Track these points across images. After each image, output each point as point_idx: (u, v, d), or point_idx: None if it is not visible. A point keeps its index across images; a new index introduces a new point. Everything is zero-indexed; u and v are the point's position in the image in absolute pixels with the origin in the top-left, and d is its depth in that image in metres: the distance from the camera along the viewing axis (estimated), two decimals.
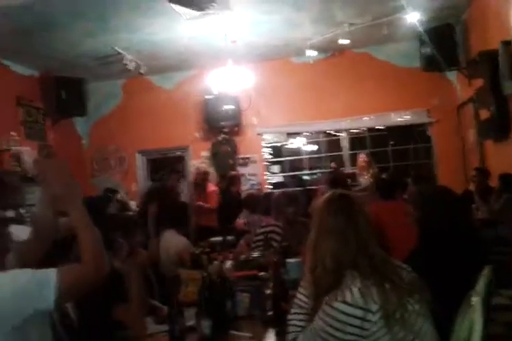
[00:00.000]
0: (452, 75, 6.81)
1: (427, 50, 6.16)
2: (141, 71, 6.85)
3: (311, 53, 6.53)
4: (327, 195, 1.74)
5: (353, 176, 6.59)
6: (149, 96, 7.52)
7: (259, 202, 4.64)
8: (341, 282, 1.57)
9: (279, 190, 6.34)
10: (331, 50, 7.05)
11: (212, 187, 6.79)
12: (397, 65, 6.98)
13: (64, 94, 6.92)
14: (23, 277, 1.53)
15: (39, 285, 1.50)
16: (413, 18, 5.57)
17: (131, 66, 6.62)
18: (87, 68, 6.90)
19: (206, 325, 1.92)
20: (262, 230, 3.81)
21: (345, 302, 1.50)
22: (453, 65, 6.15)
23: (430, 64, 6.23)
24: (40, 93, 7.02)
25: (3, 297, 1.48)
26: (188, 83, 7.52)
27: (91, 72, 7.07)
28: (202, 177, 6.76)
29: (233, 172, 7.02)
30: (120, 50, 6.31)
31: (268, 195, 4.90)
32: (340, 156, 7.37)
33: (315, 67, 6.89)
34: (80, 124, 7.71)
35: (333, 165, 6.90)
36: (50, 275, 1.51)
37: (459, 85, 6.77)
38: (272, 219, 3.92)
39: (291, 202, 3.33)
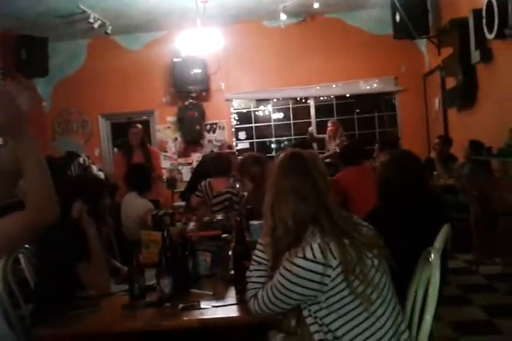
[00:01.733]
0: (422, 43, 6.84)
1: (399, 17, 6.12)
2: (107, 31, 6.60)
3: (284, 17, 6.41)
4: (280, 155, 1.72)
5: (322, 142, 6.63)
6: (115, 57, 7.28)
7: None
8: (301, 239, 1.58)
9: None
10: (303, 15, 6.94)
11: None
12: (369, 32, 6.96)
13: (25, 53, 6.62)
14: None
15: None
16: None
17: (97, 25, 6.37)
18: (50, 27, 6.61)
19: (166, 284, 1.91)
20: (219, 199, 3.81)
21: (305, 258, 1.51)
22: (423, 33, 6.14)
23: (401, 31, 6.20)
24: None
25: None
26: (156, 45, 7.31)
27: (54, 31, 6.77)
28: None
29: None
30: (85, 8, 6.05)
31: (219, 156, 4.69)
32: (308, 123, 7.36)
33: (286, 31, 6.79)
34: (40, 85, 7.42)
35: (310, 130, 6.85)
36: None
37: (428, 54, 6.80)
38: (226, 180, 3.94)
39: (257, 162, 3.32)
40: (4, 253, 1.57)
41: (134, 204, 3.45)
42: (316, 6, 6.18)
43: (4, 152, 1.51)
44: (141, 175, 3.68)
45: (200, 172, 5.43)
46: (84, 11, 6.11)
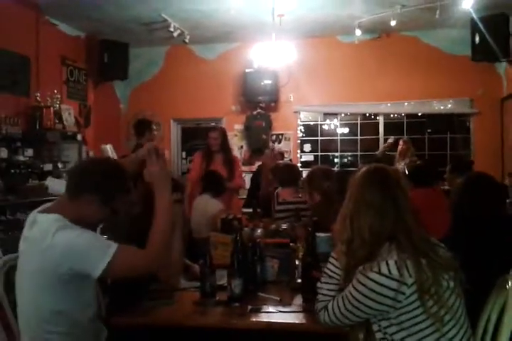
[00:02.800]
0: (501, 67, 6.64)
1: (478, 38, 5.99)
2: (185, 40, 6.85)
3: (359, 33, 6.42)
4: (364, 168, 1.74)
5: (391, 160, 6.50)
6: (190, 65, 7.54)
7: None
8: (377, 254, 1.60)
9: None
10: (378, 31, 6.91)
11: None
12: (445, 52, 6.82)
13: (107, 57, 6.97)
14: (86, 236, 1.70)
15: (94, 253, 1.66)
16: (467, 4, 5.40)
17: (176, 34, 6.63)
18: (133, 33, 6.93)
19: (237, 285, 1.97)
20: (284, 207, 3.84)
21: (380, 273, 1.53)
22: (503, 57, 5.96)
23: (480, 53, 6.06)
24: (84, 54, 7.11)
25: (59, 248, 1.64)
26: (230, 55, 7.51)
27: (136, 37, 7.10)
28: None
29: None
30: (167, 17, 6.31)
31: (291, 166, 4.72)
32: (376, 140, 7.29)
33: (360, 47, 6.78)
34: (119, 88, 7.79)
35: (390, 141, 6.68)
36: (109, 251, 1.67)
37: (506, 77, 6.59)
38: (292, 191, 3.96)
39: (327, 176, 3.33)
40: None
41: (207, 204, 3.57)
42: (393, 23, 6.14)
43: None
44: (218, 181, 3.81)
45: (256, 182, 5.50)
46: (165, 20, 6.37)
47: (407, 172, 4.28)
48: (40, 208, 1.83)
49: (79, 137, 6.13)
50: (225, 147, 5.15)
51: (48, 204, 1.85)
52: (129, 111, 7.79)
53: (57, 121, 5.77)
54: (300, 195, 3.93)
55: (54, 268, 1.65)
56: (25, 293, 1.74)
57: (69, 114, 6.13)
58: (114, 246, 1.70)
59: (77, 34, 6.96)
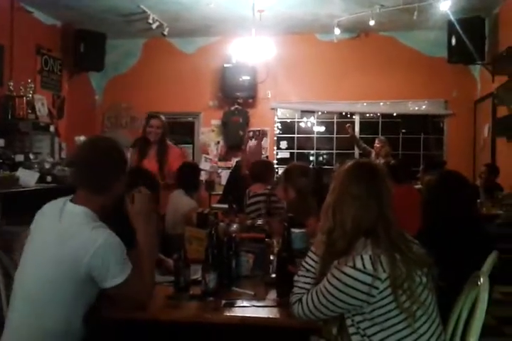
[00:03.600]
0: (475, 69, 6.76)
1: (455, 40, 6.09)
2: (164, 32, 6.78)
3: (338, 31, 6.45)
4: (350, 162, 1.76)
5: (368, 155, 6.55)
6: (168, 58, 7.47)
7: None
8: (352, 249, 1.61)
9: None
10: (357, 31, 6.97)
11: None
12: (422, 53, 6.92)
13: (83, 47, 6.86)
14: (118, 243, 1.71)
15: (114, 265, 1.68)
16: (445, 6, 5.49)
17: (155, 26, 6.55)
18: (110, 24, 6.83)
19: (211, 279, 1.96)
20: (255, 199, 3.85)
21: (355, 267, 1.54)
22: (479, 59, 6.07)
23: (456, 55, 6.17)
24: (59, 44, 6.97)
25: (94, 246, 1.64)
26: (209, 49, 7.46)
27: (113, 28, 6.99)
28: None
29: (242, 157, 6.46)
30: (146, 9, 6.23)
31: (264, 163, 4.72)
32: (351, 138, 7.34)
33: (339, 46, 6.82)
34: (95, 79, 7.66)
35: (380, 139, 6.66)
36: (126, 269, 1.70)
37: (481, 80, 6.72)
38: (263, 186, 3.98)
39: (304, 173, 3.35)
40: None
41: (180, 202, 3.54)
42: (371, 23, 6.19)
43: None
44: (191, 174, 3.78)
45: (234, 178, 5.50)
46: (144, 11, 6.30)
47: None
48: (67, 197, 1.82)
49: (52, 128, 6.01)
50: (163, 139, 4.44)
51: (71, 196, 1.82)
52: (105, 102, 7.68)
53: (29, 111, 5.64)
54: (269, 187, 3.95)
55: (79, 263, 1.64)
56: (43, 278, 1.68)
57: (42, 104, 6.01)
58: (129, 265, 1.71)
59: (52, 23, 6.81)
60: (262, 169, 4.15)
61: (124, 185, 1.86)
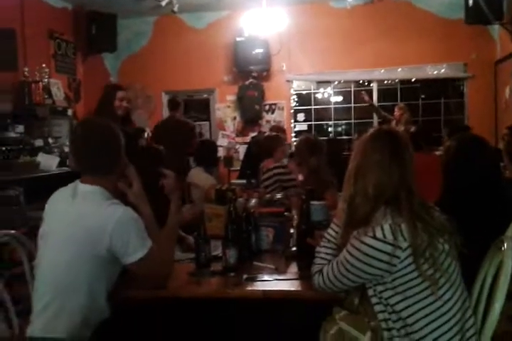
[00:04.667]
0: (494, 30, 6.54)
1: (472, 1, 5.86)
2: (174, 9, 6.69)
3: None
4: (372, 130, 1.73)
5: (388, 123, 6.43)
6: (180, 35, 7.38)
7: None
8: (372, 218, 1.59)
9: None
10: None
11: None
12: (438, 16, 6.70)
13: (95, 29, 6.81)
14: (137, 218, 1.73)
15: (135, 240, 1.70)
16: None
17: (164, 3, 6.47)
18: (120, 3, 6.74)
19: (231, 255, 1.97)
20: (268, 174, 3.86)
21: (375, 237, 1.53)
22: (497, 19, 5.85)
23: (473, 16, 5.93)
24: (71, 27, 6.94)
25: (112, 222, 1.67)
26: (220, 24, 7.34)
27: (123, 8, 6.91)
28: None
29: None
30: None
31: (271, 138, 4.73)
32: (370, 108, 7.21)
33: (353, 13, 6.65)
34: (109, 60, 7.63)
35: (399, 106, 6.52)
36: (147, 244, 1.72)
37: (500, 40, 6.50)
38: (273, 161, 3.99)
39: (313, 151, 3.32)
40: None
41: (200, 179, 3.56)
42: None
43: None
44: (209, 150, 3.79)
45: (251, 154, 5.51)
46: None
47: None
48: (77, 180, 1.83)
49: (69, 112, 6.04)
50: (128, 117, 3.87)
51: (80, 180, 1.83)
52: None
53: (46, 96, 5.67)
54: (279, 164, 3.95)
55: (98, 240, 1.66)
56: (63, 259, 1.71)
57: (58, 89, 6.03)
58: (149, 240, 1.73)
59: (63, 6, 6.77)
60: (271, 144, 4.15)
61: (125, 162, 1.87)
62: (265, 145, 4.19)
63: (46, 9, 6.38)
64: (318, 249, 1.77)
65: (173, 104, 6.11)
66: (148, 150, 3.06)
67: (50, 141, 5.43)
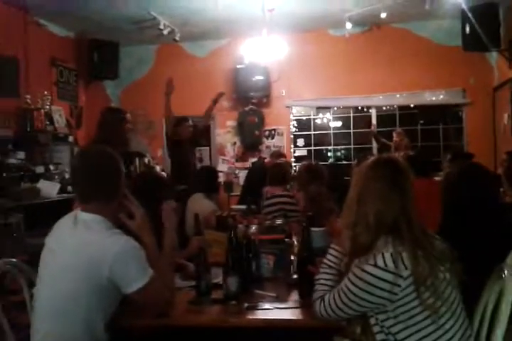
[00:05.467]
0: (492, 56, 6.63)
1: (469, 29, 5.97)
2: (176, 37, 6.81)
3: (349, 26, 6.40)
4: (373, 158, 1.74)
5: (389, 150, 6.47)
6: (181, 63, 7.49)
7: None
8: (374, 246, 1.59)
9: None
10: (369, 24, 6.89)
11: None
12: (436, 43, 6.81)
13: (97, 56, 6.93)
14: (137, 247, 1.73)
15: (135, 269, 1.70)
16: None
17: (166, 32, 6.59)
18: (122, 32, 6.88)
19: (232, 282, 1.96)
20: (273, 200, 3.85)
21: (376, 265, 1.52)
22: (494, 46, 5.95)
23: (471, 44, 6.03)
24: (73, 54, 7.08)
25: (112, 251, 1.66)
26: (221, 52, 7.47)
27: (125, 36, 7.05)
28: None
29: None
30: (155, 15, 6.27)
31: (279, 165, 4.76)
32: (368, 133, 7.27)
33: (351, 40, 6.76)
34: (110, 88, 7.74)
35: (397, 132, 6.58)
36: (148, 273, 1.71)
37: (498, 67, 6.59)
38: (279, 188, 3.99)
39: (314, 178, 3.33)
40: None
41: (200, 205, 3.56)
42: (383, 15, 6.13)
43: None
44: (210, 177, 3.81)
45: (251, 179, 5.51)
46: (154, 18, 6.33)
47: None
48: (78, 209, 1.84)
49: (70, 138, 6.10)
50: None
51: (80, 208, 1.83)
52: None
53: (48, 123, 5.73)
54: (286, 191, 3.95)
55: (99, 270, 1.65)
56: (62, 287, 1.70)
57: (60, 116, 6.10)
58: (150, 269, 1.73)
59: (66, 34, 6.91)
60: (279, 171, 4.16)
61: (124, 192, 1.88)
62: (273, 171, 4.18)
63: (49, 37, 6.51)
64: (318, 275, 1.77)
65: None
66: (149, 175, 3.08)
67: (51, 167, 5.45)
